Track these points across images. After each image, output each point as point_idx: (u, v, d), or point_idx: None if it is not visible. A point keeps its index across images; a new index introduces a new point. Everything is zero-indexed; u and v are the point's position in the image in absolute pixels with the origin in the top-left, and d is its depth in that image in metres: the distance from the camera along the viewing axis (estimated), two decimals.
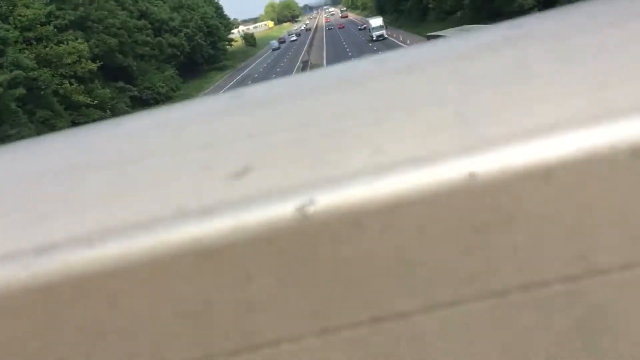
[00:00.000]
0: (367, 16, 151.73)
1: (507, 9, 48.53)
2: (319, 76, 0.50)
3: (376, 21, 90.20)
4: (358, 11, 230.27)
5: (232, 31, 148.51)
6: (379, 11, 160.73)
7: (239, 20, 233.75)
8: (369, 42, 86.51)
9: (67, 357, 0.29)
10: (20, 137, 40.99)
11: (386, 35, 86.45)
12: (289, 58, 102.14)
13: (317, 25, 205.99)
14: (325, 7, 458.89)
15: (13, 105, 41.48)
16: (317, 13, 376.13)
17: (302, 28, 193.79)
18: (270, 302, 0.28)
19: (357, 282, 0.30)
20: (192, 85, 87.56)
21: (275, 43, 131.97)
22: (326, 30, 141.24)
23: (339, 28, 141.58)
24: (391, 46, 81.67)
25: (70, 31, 54.35)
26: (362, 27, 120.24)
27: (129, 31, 67.23)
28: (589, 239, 0.27)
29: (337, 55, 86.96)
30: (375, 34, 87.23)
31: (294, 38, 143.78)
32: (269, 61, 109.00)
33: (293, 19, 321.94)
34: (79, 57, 51.73)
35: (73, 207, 0.34)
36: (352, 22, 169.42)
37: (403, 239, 0.29)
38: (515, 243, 0.29)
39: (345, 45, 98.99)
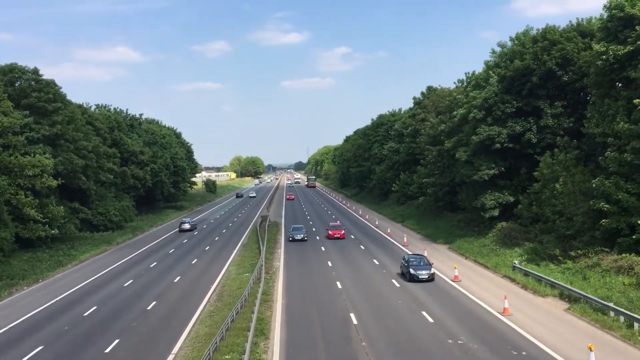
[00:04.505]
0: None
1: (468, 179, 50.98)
2: None
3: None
4: (320, 179, 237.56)
5: (196, 175, 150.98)
6: (341, 184, 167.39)
7: (203, 166, 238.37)
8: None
9: None
10: None
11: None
12: (247, 210, 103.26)
13: (278, 185, 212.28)
14: (289, 170, 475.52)
15: None
16: (280, 174, 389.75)
17: (268, 181, 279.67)
18: None
19: None
20: (146, 219, 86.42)
21: (257, 181, 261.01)
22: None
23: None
24: (350, 218, 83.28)
25: (41, 145, 54.09)
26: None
27: (97, 156, 67.41)
28: None
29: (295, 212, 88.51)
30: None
31: (267, 182, 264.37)
32: (226, 209, 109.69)
33: (256, 175, 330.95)
34: (42, 171, 50.85)
35: None
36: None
37: None
38: None
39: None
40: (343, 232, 60.43)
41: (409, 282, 36.47)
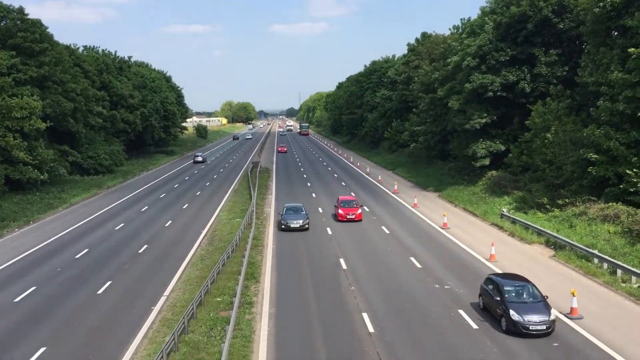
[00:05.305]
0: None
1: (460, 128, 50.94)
2: None
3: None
4: (312, 127, 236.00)
5: (187, 120, 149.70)
6: (333, 131, 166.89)
7: (194, 111, 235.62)
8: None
9: None
10: None
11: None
12: (239, 156, 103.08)
13: (269, 131, 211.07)
14: (281, 116, 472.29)
15: None
16: (272, 120, 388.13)
17: (260, 126, 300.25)
18: None
19: None
20: (137, 163, 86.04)
21: (251, 126, 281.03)
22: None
23: None
24: (338, 162, 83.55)
25: (28, 87, 53.13)
26: None
27: (86, 99, 66.45)
28: None
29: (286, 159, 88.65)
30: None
31: (260, 127, 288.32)
32: (217, 155, 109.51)
33: (247, 121, 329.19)
34: (30, 113, 50.13)
35: None
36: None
37: None
38: None
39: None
40: (360, 211, 40.49)
41: (507, 333, 19.45)
